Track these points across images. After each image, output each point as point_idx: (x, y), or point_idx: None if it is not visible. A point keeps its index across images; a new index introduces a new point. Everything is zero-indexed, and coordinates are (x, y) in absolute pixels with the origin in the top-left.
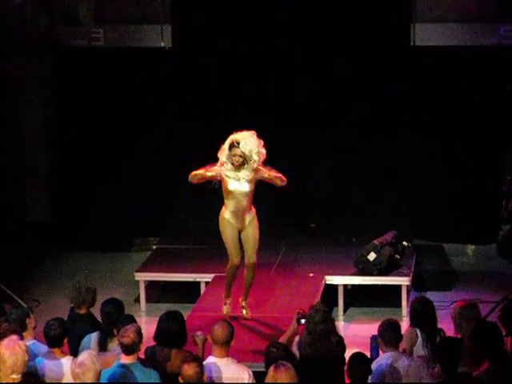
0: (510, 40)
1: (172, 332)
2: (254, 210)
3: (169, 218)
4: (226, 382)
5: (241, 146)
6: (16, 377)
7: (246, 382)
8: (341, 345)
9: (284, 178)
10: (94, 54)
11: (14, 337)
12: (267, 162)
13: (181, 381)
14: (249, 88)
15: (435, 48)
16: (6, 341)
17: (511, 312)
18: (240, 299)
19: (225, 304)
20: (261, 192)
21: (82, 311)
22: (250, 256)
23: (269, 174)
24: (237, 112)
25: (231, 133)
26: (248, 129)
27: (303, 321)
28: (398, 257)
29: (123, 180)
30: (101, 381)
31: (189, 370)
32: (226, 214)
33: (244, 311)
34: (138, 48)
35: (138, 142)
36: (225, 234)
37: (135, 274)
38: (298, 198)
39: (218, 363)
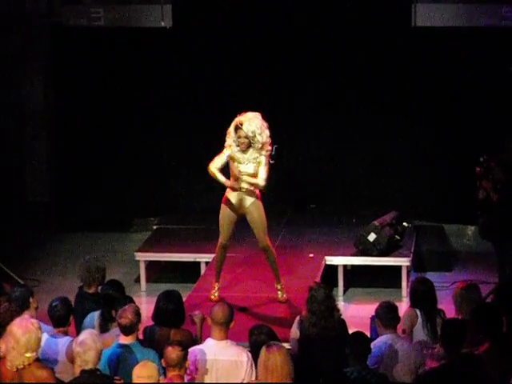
0: (511, 21)
1: (169, 311)
2: (257, 193)
3: (169, 198)
4: (224, 364)
5: (244, 127)
6: (30, 355)
7: (245, 364)
8: (342, 320)
9: (259, 184)
10: (94, 34)
11: (26, 315)
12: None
13: (163, 363)
14: (250, 68)
15: (436, 29)
16: (18, 319)
17: (502, 296)
18: (274, 283)
19: (213, 289)
20: None
21: (91, 290)
22: (262, 239)
23: (261, 168)
24: (238, 91)
25: (231, 112)
26: (249, 108)
27: None
28: (398, 237)
29: (123, 160)
30: (101, 360)
31: (172, 353)
32: (230, 194)
33: (279, 293)
34: (139, 28)
35: (138, 122)
36: (221, 212)
37: (135, 253)
38: (297, 178)
39: (218, 345)
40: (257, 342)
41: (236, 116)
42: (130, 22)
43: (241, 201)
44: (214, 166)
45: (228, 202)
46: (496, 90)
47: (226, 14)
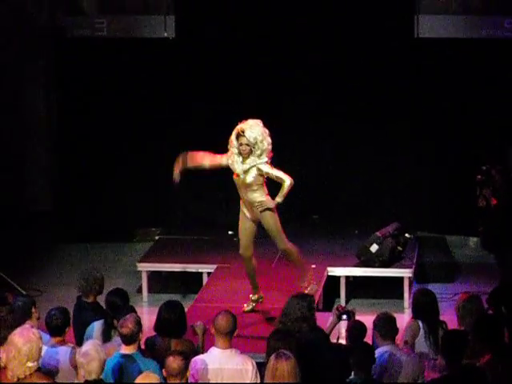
0: None
1: (171, 322)
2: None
3: (171, 208)
4: (230, 373)
5: (246, 134)
6: (32, 365)
7: (250, 372)
8: (315, 330)
9: (289, 184)
10: (97, 44)
11: (27, 325)
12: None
13: (164, 373)
14: (252, 78)
15: (439, 40)
16: (19, 329)
17: (497, 295)
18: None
19: (249, 299)
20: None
21: (90, 299)
22: (279, 242)
23: (273, 172)
24: (240, 102)
25: (234, 122)
26: (251, 118)
27: (344, 316)
28: (401, 249)
29: (125, 170)
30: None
31: (173, 362)
32: (242, 204)
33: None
34: (142, 38)
35: (140, 132)
36: (239, 224)
37: (138, 264)
38: (300, 189)
39: (223, 354)
40: (275, 348)
41: (237, 125)
42: (132, 33)
43: (253, 209)
44: (208, 157)
45: (242, 213)
46: (498, 101)
47: (229, 25)
